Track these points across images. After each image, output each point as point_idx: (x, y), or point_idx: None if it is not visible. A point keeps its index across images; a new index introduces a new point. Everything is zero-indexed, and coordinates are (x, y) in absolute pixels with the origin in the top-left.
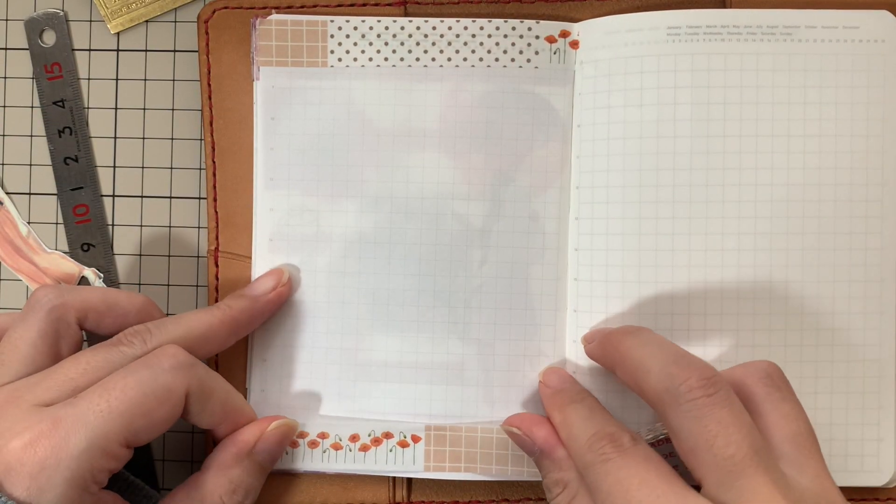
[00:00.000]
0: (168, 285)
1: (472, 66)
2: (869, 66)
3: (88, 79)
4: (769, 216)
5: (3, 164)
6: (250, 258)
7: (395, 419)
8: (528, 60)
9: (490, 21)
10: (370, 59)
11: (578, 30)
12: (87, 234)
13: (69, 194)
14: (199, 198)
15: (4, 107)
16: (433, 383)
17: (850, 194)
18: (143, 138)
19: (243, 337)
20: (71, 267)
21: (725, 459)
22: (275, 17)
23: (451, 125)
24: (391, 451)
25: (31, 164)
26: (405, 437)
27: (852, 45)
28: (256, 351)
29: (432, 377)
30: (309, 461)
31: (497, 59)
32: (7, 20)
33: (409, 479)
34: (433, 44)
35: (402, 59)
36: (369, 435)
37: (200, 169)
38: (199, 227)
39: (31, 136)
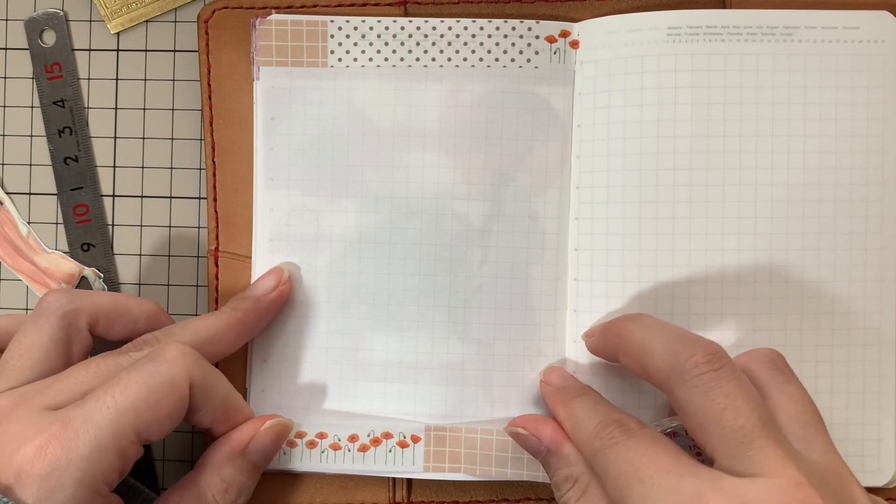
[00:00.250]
0: (168, 285)
1: (472, 66)
2: (869, 66)
3: (88, 79)
4: (769, 216)
5: (3, 164)
6: (250, 258)
7: (395, 419)
8: (528, 60)
9: (490, 21)
10: (370, 59)
11: (578, 30)
12: (87, 234)
13: (69, 194)
14: (199, 198)
15: (4, 107)
16: (433, 383)
17: (850, 194)
18: (143, 138)
19: (250, 339)
20: (71, 267)
21: (735, 431)
22: (275, 17)
23: (451, 125)
24: (390, 451)
25: (31, 164)
26: (405, 438)
27: (852, 45)
28: (256, 351)
29: (432, 377)
30: (307, 461)
31: (497, 59)
32: (7, 20)
33: (409, 480)
34: (433, 44)
35: (402, 59)
36: (368, 435)
37: (200, 169)
38: (199, 227)
39: (31, 136)
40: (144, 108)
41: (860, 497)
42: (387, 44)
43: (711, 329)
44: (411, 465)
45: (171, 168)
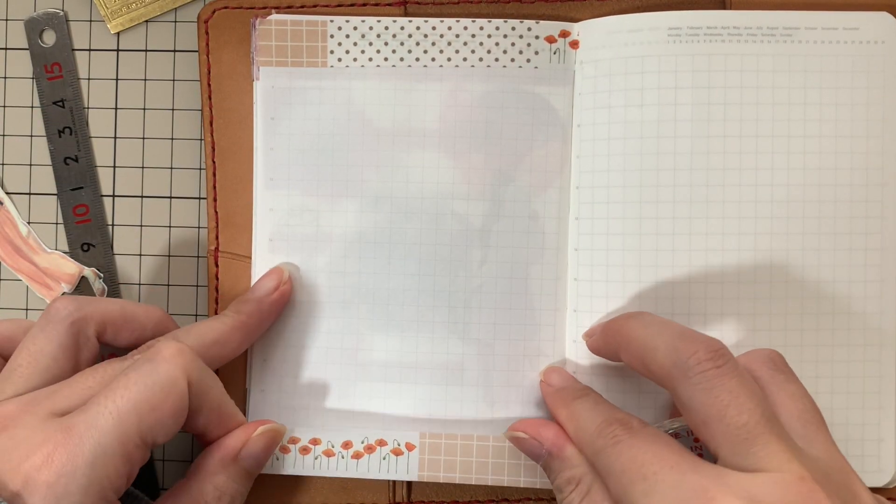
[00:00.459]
0: (168, 285)
1: (472, 66)
2: (869, 67)
3: (88, 79)
4: (769, 217)
5: (3, 164)
6: (250, 258)
7: (393, 424)
8: (528, 60)
9: (490, 21)
10: (370, 59)
11: (578, 30)
12: (87, 234)
13: (69, 194)
14: (199, 198)
15: (4, 107)
16: (433, 383)
17: (850, 195)
18: (143, 138)
19: (253, 341)
20: (71, 267)
21: (739, 428)
22: (275, 17)
23: (451, 125)
24: (384, 458)
25: (31, 164)
26: (399, 445)
27: (852, 46)
28: (256, 351)
29: (432, 377)
30: (300, 467)
31: (497, 59)
32: (7, 20)
33: (409, 480)
34: (433, 44)
35: (402, 59)
36: (362, 442)
37: (200, 169)
38: (199, 227)
39: (31, 136)
40: (144, 108)
41: (863, 493)
42: (387, 44)
43: (712, 329)
44: (405, 474)
45: (171, 168)
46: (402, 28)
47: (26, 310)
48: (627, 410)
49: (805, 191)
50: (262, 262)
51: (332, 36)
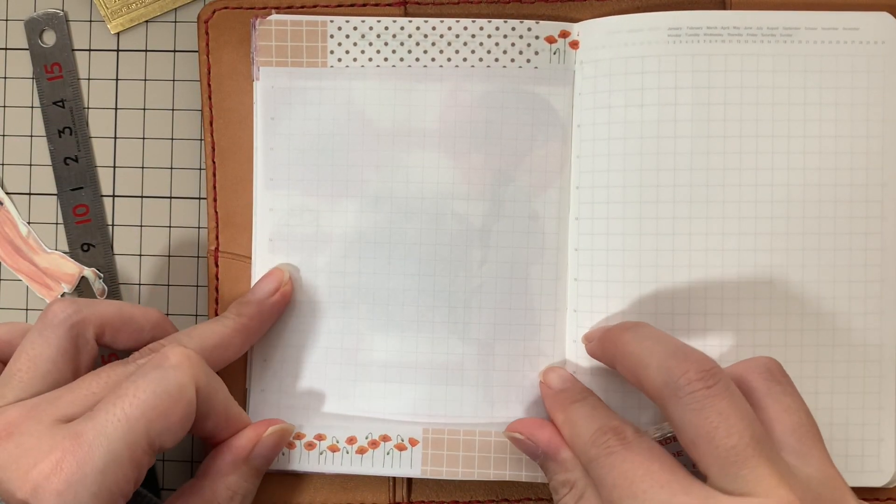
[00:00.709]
0: (168, 285)
1: (472, 66)
2: (869, 67)
3: (88, 79)
4: (770, 216)
5: (3, 164)
6: (250, 258)
7: (395, 420)
8: (528, 60)
9: (490, 21)
10: (370, 60)
11: (578, 30)
12: (87, 234)
13: (69, 194)
14: (199, 198)
15: (4, 107)
16: (433, 383)
17: (850, 195)
18: (143, 138)
19: (254, 343)
20: (71, 267)
21: (728, 450)
22: (275, 17)
23: (451, 125)
24: (388, 454)
25: (31, 164)
26: (402, 441)
27: (852, 46)
28: (256, 351)
29: (432, 377)
30: (305, 463)
31: (497, 60)
32: (7, 20)
33: (410, 480)
34: (433, 44)
35: (402, 60)
36: (367, 438)
37: (200, 169)
38: (199, 227)
39: (31, 136)
40: (144, 108)
41: None
42: (387, 44)
43: (711, 328)
44: (409, 468)
45: (171, 168)
46: (402, 28)
47: (26, 310)
48: (628, 410)
49: (805, 191)
50: (262, 262)
51: (332, 36)
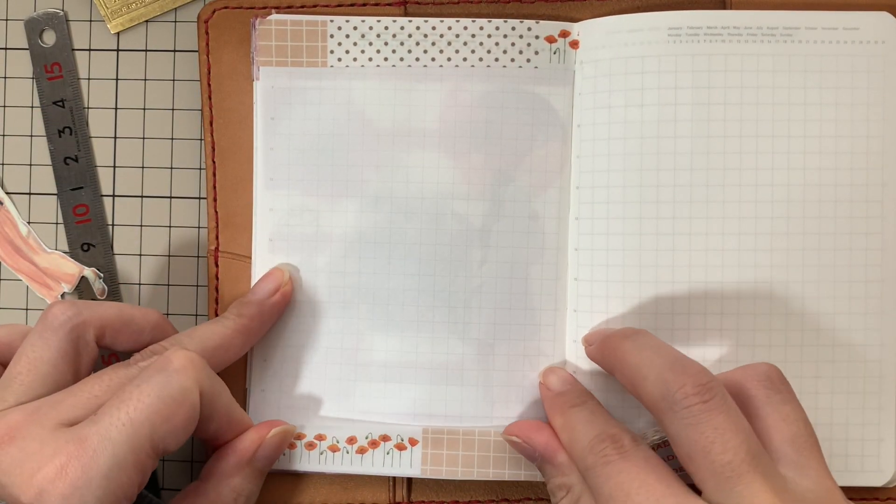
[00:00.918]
0: (168, 285)
1: (472, 66)
2: (869, 67)
3: (88, 79)
4: (769, 216)
5: (3, 164)
6: (250, 258)
7: (395, 420)
8: (528, 60)
9: (490, 21)
10: (370, 59)
11: (578, 30)
12: (87, 234)
13: (69, 194)
14: (199, 198)
15: (4, 107)
16: (433, 383)
17: (850, 194)
18: (143, 138)
19: (254, 344)
20: (71, 267)
21: (723, 465)
22: (275, 17)
23: (451, 125)
24: (388, 453)
25: (31, 164)
26: (402, 441)
27: (852, 46)
28: (256, 351)
29: (432, 377)
30: (306, 462)
31: (497, 59)
32: (7, 20)
33: (410, 479)
34: (433, 44)
35: (402, 59)
36: (367, 437)
37: (200, 169)
38: (199, 227)
39: (31, 136)
40: (144, 108)
41: None
42: (386, 44)
43: (711, 327)
44: (409, 468)
45: (171, 168)
46: (402, 28)
47: (26, 310)
48: (628, 410)
49: (805, 191)
50: (262, 262)
51: (332, 36)
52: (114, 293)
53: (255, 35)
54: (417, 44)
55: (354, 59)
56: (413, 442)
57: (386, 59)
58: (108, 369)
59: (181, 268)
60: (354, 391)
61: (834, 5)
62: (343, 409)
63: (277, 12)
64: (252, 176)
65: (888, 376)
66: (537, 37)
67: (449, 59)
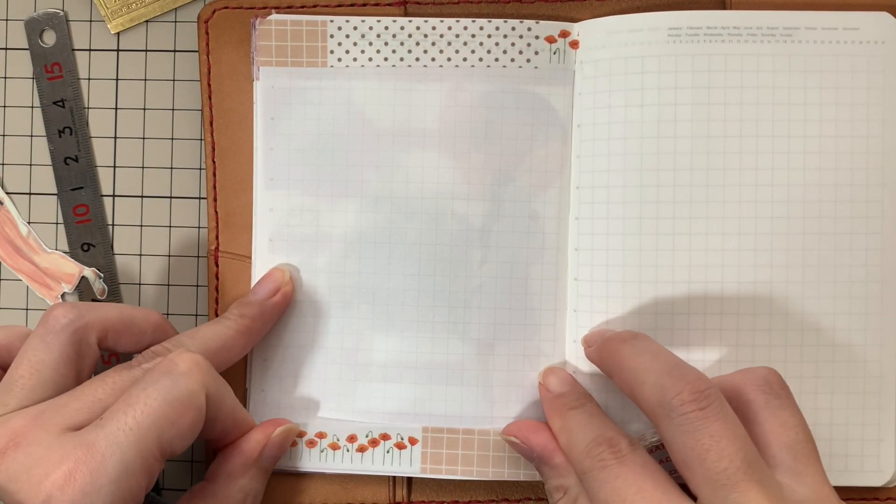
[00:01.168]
0: (168, 285)
1: (472, 66)
2: (869, 67)
3: (88, 79)
4: (770, 216)
5: (3, 164)
6: (250, 258)
7: (395, 420)
8: (528, 60)
9: (490, 21)
10: (370, 59)
11: (578, 30)
12: (87, 234)
13: (69, 194)
14: (199, 198)
15: (4, 107)
16: (433, 383)
17: (850, 194)
18: (143, 138)
19: (255, 344)
20: (71, 267)
21: (718, 473)
22: (274, 17)
23: (451, 125)
24: (388, 452)
25: (31, 164)
26: (402, 439)
27: (852, 46)
28: (257, 351)
29: (432, 377)
30: (307, 460)
31: (497, 59)
32: (7, 20)
33: (409, 479)
34: (433, 44)
35: (402, 59)
36: (367, 436)
37: (200, 169)
38: (199, 227)
39: (31, 136)
40: (144, 108)
41: None
42: (386, 44)
43: (711, 327)
44: (409, 467)
45: (171, 168)
46: (402, 28)
47: (26, 310)
48: (628, 409)
49: (805, 191)
50: (262, 262)
51: (331, 36)
52: (114, 293)
53: (255, 35)
54: (417, 44)
55: (354, 59)
56: (413, 441)
57: (386, 59)
58: (110, 371)
59: (181, 268)
60: (354, 391)
61: (834, 5)
62: (343, 408)
63: (277, 12)
64: (252, 176)
65: (888, 376)
66: (537, 37)
67: (449, 59)
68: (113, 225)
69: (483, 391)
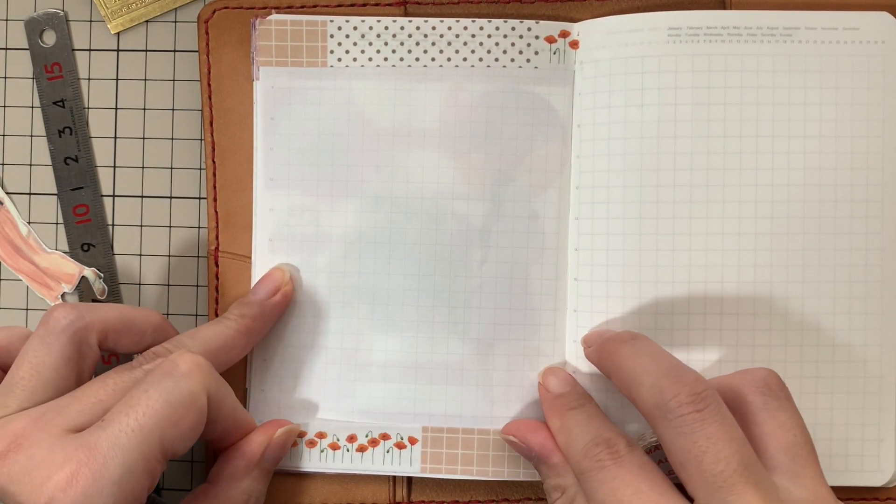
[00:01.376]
0: (168, 285)
1: (472, 66)
2: (869, 67)
3: (88, 79)
4: (769, 216)
5: (3, 164)
6: (250, 258)
7: (394, 419)
8: (528, 60)
9: (490, 21)
10: (370, 59)
11: (578, 30)
12: (87, 234)
13: (69, 194)
14: (199, 198)
15: (4, 107)
16: (433, 383)
17: (850, 194)
18: (143, 138)
19: (255, 344)
20: (71, 267)
21: (715, 475)
22: (274, 17)
23: (451, 125)
24: (388, 452)
25: (31, 164)
26: (402, 439)
27: (852, 46)
28: (256, 351)
29: (432, 377)
30: (307, 460)
31: (497, 59)
32: (7, 20)
33: (409, 479)
34: (433, 44)
35: (401, 59)
36: (367, 436)
37: (200, 169)
38: (199, 227)
39: (31, 136)
40: (144, 108)
41: None
42: (386, 44)
43: (711, 327)
44: (409, 466)
45: (171, 168)
46: (402, 28)
47: (26, 310)
48: (628, 409)
49: (805, 191)
50: (262, 262)
51: (331, 36)
52: (114, 293)
53: (255, 35)
54: (417, 44)
55: (354, 59)
56: (413, 441)
57: (386, 59)
58: (111, 373)
59: (181, 268)
60: (354, 391)
61: (834, 5)
62: (343, 408)
63: (277, 12)
64: (252, 176)
65: (888, 376)
66: (537, 37)
67: (449, 59)
68: (113, 225)
69: (483, 391)
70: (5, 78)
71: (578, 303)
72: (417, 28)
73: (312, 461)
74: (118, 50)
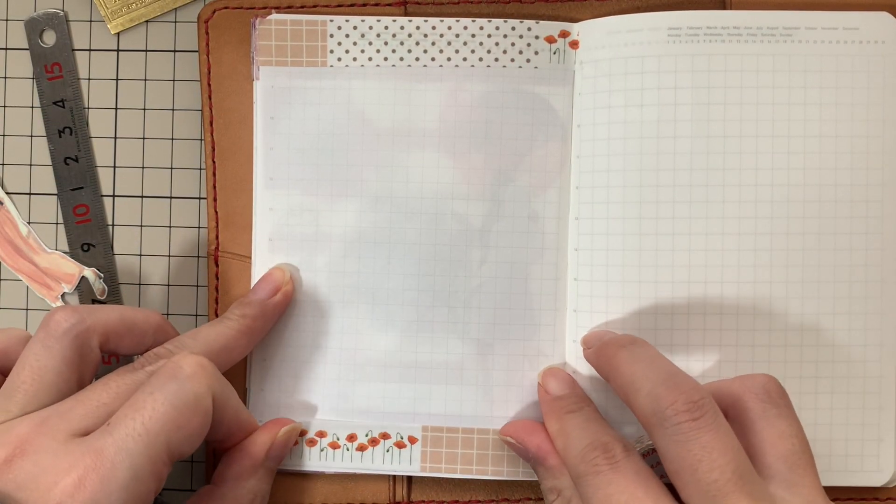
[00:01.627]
0: (168, 285)
1: (472, 66)
2: (869, 67)
3: (88, 79)
4: (769, 216)
5: (3, 164)
6: (250, 258)
7: (394, 419)
8: (528, 60)
9: (490, 21)
10: (370, 59)
11: (578, 30)
12: (87, 234)
13: (69, 194)
14: (199, 198)
15: (4, 107)
16: (432, 383)
17: (850, 194)
18: (143, 138)
19: (256, 344)
20: (71, 267)
21: (709, 484)
22: (274, 16)
23: (451, 125)
24: (388, 451)
25: (31, 164)
26: (402, 438)
27: (852, 46)
28: (256, 351)
29: (432, 377)
30: (307, 459)
31: (497, 59)
32: (7, 20)
33: (409, 479)
34: (433, 44)
35: (401, 59)
36: (367, 435)
37: (200, 169)
38: (199, 227)
39: (31, 136)
40: (144, 108)
41: None
42: (386, 43)
43: (711, 327)
44: (408, 466)
45: (171, 168)
46: (402, 28)
47: (26, 310)
48: (627, 413)
49: (805, 191)
50: (262, 262)
51: (331, 35)
52: (114, 293)
53: (255, 35)
54: (417, 44)
55: (354, 59)
56: (413, 440)
57: (386, 58)
58: (113, 375)
59: (181, 268)
60: (354, 391)
61: (834, 5)
62: (343, 408)
63: (277, 12)
64: (252, 176)
65: (888, 376)
66: (537, 37)
67: (449, 59)
68: (113, 225)
69: (483, 391)
70: (5, 78)
71: (578, 303)
72: (417, 28)
73: (312, 460)
74: (118, 50)
